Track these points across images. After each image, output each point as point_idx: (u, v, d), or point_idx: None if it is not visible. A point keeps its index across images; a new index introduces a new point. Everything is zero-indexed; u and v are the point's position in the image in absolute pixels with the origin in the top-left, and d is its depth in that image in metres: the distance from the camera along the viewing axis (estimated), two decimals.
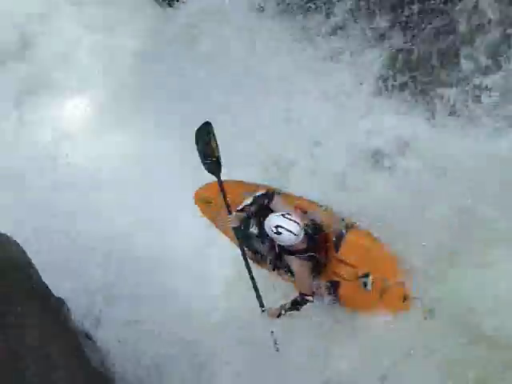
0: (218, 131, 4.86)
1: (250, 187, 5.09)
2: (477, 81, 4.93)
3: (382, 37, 5.38)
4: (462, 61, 5.00)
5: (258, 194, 4.78)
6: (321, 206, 4.97)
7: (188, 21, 6.13)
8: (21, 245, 4.77)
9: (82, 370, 4.56)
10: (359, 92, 5.40)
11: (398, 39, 5.28)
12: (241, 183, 5.24)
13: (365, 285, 4.61)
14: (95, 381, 4.60)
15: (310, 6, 5.70)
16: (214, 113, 5.16)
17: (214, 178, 4.85)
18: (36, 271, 4.70)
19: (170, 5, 6.31)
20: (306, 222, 4.62)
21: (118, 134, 5.96)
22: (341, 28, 5.56)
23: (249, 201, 4.71)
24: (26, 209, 5.62)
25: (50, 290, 4.68)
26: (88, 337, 5.02)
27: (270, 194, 4.75)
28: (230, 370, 4.99)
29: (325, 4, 5.63)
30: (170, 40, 6.08)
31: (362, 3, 5.48)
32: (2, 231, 4.81)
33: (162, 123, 5.75)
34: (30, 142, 6.11)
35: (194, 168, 4.98)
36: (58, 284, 4.76)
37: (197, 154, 4.80)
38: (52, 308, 4.69)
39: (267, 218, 4.46)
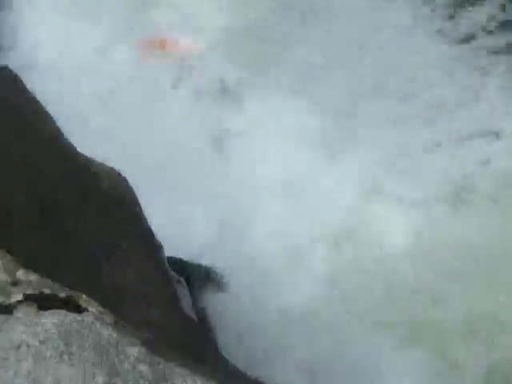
0: None
1: None
2: None
3: None
4: None
5: None
6: None
7: None
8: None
9: (176, 313, 4.94)
10: None
11: None
12: None
13: None
14: (186, 325, 5.00)
15: None
16: None
17: None
18: (142, 211, 4.85)
19: None
20: None
21: None
22: None
23: None
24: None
25: (152, 232, 4.87)
26: (181, 282, 5.29)
27: None
28: None
29: None
30: None
31: None
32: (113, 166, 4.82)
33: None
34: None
35: None
36: None
37: None
38: (153, 250, 4.89)
39: None
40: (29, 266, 2.49)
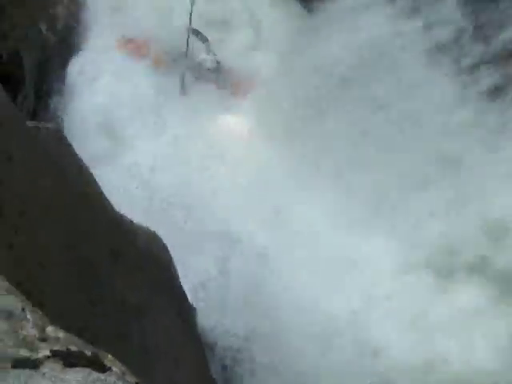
0: None
1: None
2: None
3: None
4: None
5: None
6: None
7: None
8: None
9: (201, 376, 4.93)
10: None
11: None
12: None
13: None
14: None
15: None
16: None
17: None
18: (176, 271, 4.90)
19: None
20: None
21: None
22: None
23: None
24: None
25: (185, 294, 4.91)
26: (209, 346, 5.31)
27: None
28: None
29: None
30: None
31: None
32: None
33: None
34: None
35: None
36: None
37: None
38: (185, 312, 4.93)
39: None
40: (59, 318, 2.54)
